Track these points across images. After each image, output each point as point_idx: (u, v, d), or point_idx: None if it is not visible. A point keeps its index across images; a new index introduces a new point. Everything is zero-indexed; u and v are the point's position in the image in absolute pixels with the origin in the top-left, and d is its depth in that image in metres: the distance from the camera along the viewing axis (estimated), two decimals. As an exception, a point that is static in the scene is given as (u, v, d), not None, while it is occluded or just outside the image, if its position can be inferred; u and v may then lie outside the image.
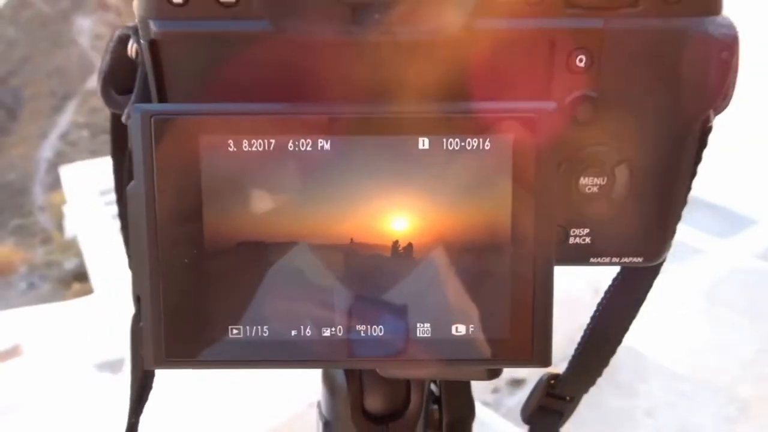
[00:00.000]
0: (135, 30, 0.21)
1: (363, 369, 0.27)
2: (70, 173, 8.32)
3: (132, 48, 0.22)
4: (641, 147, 0.21)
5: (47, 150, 24.89)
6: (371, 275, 0.19)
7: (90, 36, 30.59)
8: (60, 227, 9.35)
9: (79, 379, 3.41)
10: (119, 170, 0.24)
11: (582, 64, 0.20)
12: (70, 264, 7.40)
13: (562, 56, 0.19)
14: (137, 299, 0.21)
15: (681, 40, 0.19)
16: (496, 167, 0.18)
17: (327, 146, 0.18)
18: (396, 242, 0.18)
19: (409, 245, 0.18)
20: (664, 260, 0.26)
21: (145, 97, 0.21)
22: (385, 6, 0.18)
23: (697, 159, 0.23)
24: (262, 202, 0.18)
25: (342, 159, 0.18)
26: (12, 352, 4.09)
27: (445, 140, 0.18)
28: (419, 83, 0.19)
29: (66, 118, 26.12)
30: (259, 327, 0.19)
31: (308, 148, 0.18)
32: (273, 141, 0.18)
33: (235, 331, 0.20)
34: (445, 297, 0.19)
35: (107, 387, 2.58)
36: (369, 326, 0.19)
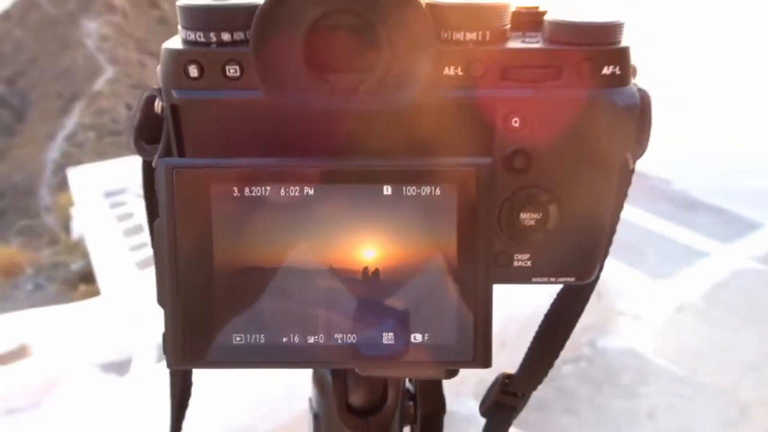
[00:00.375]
0: (160, 91, 0.26)
1: (344, 368, 0.33)
2: (77, 175, 8.35)
3: (158, 105, 0.26)
4: (569, 188, 0.26)
5: (54, 151, 24.99)
6: (347, 294, 0.24)
7: (97, 38, 30.72)
8: (66, 228, 9.40)
9: (85, 380, 3.44)
10: (151, 208, 0.29)
11: (516, 125, 0.25)
12: (76, 265, 7.44)
13: (500, 118, 0.24)
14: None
15: (594, 106, 0.24)
16: (444, 209, 0.23)
17: (311, 192, 0.23)
18: (366, 268, 0.24)
19: (377, 270, 0.24)
20: (596, 279, 0.30)
21: (168, 149, 0.26)
22: (358, 82, 0.24)
23: (622, 195, 0.28)
24: (260, 236, 0.24)
25: (323, 202, 0.23)
26: (19, 353, 4.12)
27: (404, 188, 0.23)
28: (384, 142, 0.24)
29: (72, 120, 26.22)
30: (257, 335, 0.24)
31: (296, 194, 0.23)
32: (269, 188, 0.23)
33: (237, 338, 0.25)
34: (405, 312, 0.24)
35: (113, 388, 2.60)
36: (345, 335, 0.24)
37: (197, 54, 0.24)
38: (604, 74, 0.24)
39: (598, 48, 0.24)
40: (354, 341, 0.24)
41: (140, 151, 0.27)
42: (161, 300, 0.25)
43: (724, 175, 4.42)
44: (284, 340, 0.24)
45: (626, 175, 0.27)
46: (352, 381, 0.34)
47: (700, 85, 4.63)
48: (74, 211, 8.19)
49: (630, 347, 2.37)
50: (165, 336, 0.25)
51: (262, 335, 0.24)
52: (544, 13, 0.26)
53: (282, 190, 0.23)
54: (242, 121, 0.25)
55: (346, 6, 0.23)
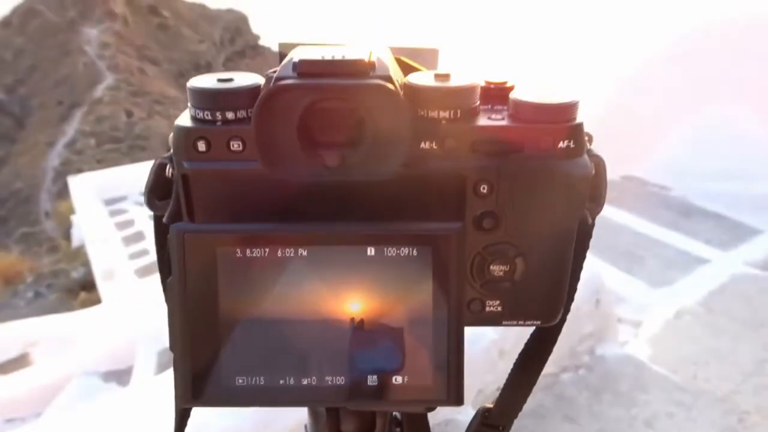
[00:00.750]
0: (170, 159, 0.29)
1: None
2: (78, 183, 8.36)
3: (168, 171, 0.29)
4: (533, 244, 0.29)
5: (54, 159, 25.00)
6: (336, 341, 0.27)
7: (97, 45, 30.78)
8: (67, 236, 9.40)
9: (86, 389, 3.44)
10: (161, 258, 0.32)
11: (485, 191, 0.28)
12: (77, 273, 7.43)
13: (470, 186, 0.28)
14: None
15: (552, 175, 0.27)
16: (421, 267, 0.27)
17: (305, 253, 0.27)
18: (353, 318, 0.27)
19: (362, 320, 0.27)
20: (563, 321, 0.32)
21: (178, 208, 0.29)
22: (345, 157, 0.27)
23: (583, 247, 0.31)
24: (260, 291, 0.27)
25: (315, 261, 0.27)
26: (20, 362, 4.13)
27: (385, 249, 0.27)
28: (368, 208, 0.28)
29: (73, 127, 26.23)
30: (257, 377, 0.27)
31: (291, 254, 0.27)
32: (267, 250, 0.27)
33: (240, 380, 0.27)
34: (387, 356, 0.27)
35: (114, 397, 2.60)
36: (334, 377, 0.27)
37: (205, 131, 0.27)
38: (561, 147, 0.27)
39: (555, 125, 0.27)
40: (342, 383, 0.27)
41: (152, 207, 0.30)
42: (173, 346, 0.27)
43: (722, 181, 4.43)
44: (281, 381, 0.27)
45: (586, 229, 0.30)
46: (343, 411, 0.37)
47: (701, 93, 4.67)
48: (75, 219, 8.18)
49: (629, 355, 2.38)
50: (175, 377, 0.27)
51: (262, 377, 0.27)
52: (510, 88, 0.29)
53: (279, 251, 0.27)
54: (244, 188, 0.28)
55: (333, 95, 0.26)
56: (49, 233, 16.58)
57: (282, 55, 0.34)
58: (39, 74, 30.52)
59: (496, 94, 0.29)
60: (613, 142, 4.39)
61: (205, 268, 0.26)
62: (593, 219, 0.30)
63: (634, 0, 6.05)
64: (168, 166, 0.29)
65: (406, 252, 0.27)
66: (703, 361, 2.58)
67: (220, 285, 0.27)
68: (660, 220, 3.89)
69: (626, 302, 3.04)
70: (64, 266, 8.29)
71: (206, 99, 0.27)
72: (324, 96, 0.26)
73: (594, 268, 2.22)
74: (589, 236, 0.31)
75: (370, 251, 0.27)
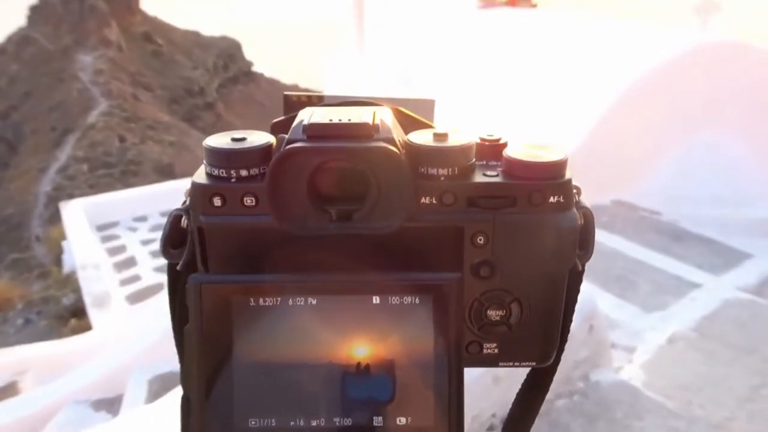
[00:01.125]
0: (186, 210, 0.31)
1: None
2: (70, 208, 8.33)
3: (183, 222, 0.31)
4: (527, 290, 0.31)
5: (46, 184, 24.92)
6: (342, 385, 0.28)
7: (92, 72, 30.92)
8: (58, 262, 9.33)
9: (76, 418, 3.39)
10: (173, 305, 0.33)
11: (481, 242, 0.30)
12: (67, 300, 7.36)
13: (468, 237, 0.30)
14: (187, 399, 0.31)
15: (543, 228, 0.30)
16: (423, 314, 0.28)
17: (314, 302, 0.28)
18: (359, 363, 0.28)
19: (367, 365, 0.28)
20: (557, 362, 0.34)
21: (193, 258, 0.31)
22: (351, 212, 0.29)
23: (574, 292, 0.33)
24: (272, 337, 0.28)
25: (324, 310, 0.28)
26: (9, 391, 4.07)
27: (389, 298, 0.28)
28: (374, 259, 0.30)
29: (65, 153, 26.21)
30: (269, 419, 0.29)
31: (302, 303, 0.28)
32: (279, 299, 0.28)
33: (252, 422, 0.29)
34: (391, 398, 0.28)
35: (105, 426, 2.57)
36: (342, 418, 0.29)
37: (220, 188, 0.29)
38: (551, 202, 0.30)
39: (546, 182, 0.30)
40: (349, 424, 0.29)
41: (167, 256, 0.32)
42: (187, 387, 0.29)
43: (712, 206, 4.47)
44: (291, 423, 0.29)
45: (576, 275, 0.32)
46: None
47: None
48: (66, 245, 8.13)
49: (623, 381, 2.37)
50: (192, 419, 0.29)
51: (273, 419, 0.29)
52: (504, 145, 0.32)
53: (290, 300, 0.28)
54: (257, 241, 0.30)
55: (340, 157, 0.28)
56: (40, 259, 16.46)
57: (287, 104, 0.38)
58: (33, 101, 30.59)
59: (490, 151, 0.31)
60: (604, 168, 4.44)
61: (221, 316, 0.28)
62: (583, 266, 0.32)
63: (621, 29, 6.16)
64: (183, 218, 0.31)
65: (409, 300, 0.28)
66: (697, 387, 2.57)
67: (235, 331, 0.28)
68: (652, 245, 3.91)
69: (620, 327, 3.04)
70: (54, 292, 8.22)
71: (221, 158, 0.29)
72: (332, 158, 0.28)
73: (587, 293, 2.23)
74: (580, 281, 0.33)
75: (376, 300, 0.29)
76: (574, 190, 0.31)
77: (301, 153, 0.28)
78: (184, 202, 0.31)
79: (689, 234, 4.18)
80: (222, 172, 0.29)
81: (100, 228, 8.01)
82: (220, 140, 0.30)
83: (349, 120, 0.28)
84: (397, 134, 0.30)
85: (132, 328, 5.02)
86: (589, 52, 5.49)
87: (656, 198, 4.56)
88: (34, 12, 34.79)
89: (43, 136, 27.96)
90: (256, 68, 40.24)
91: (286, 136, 0.29)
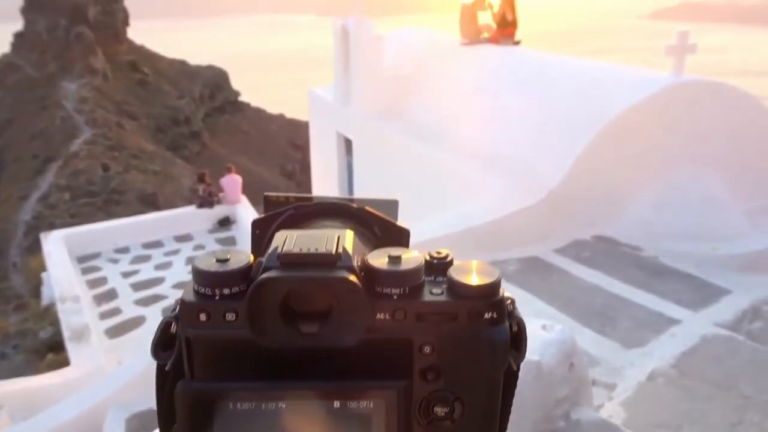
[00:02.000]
0: (176, 318, 0.36)
1: None
2: (50, 239, 8.22)
3: (173, 327, 0.36)
4: (468, 390, 0.36)
5: (27, 212, 24.61)
6: None
7: (76, 99, 30.86)
8: (36, 293, 9.17)
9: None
10: (161, 403, 0.37)
11: (428, 351, 0.35)
12: (45, 333, 7.22)
13: (416, 347, 0.35)
14: None
15: (478, 340, 0.35)
16: (377, 416, 0.34)
17: (284, 406, 0.34)
18: None
19: None
20: None
21: (180, 360, 0.36)
22: (319, 328, 0.34)
23: (511, 389, 0.38)
24: None
25: (292, 412, 0.34)
26: (-18, 429, 3.96)
27: (348, 402, 0.34)
28: (335, 368, 0.35)
29: (47, 181, 25.96)
30: None
31: (274, 407, 0.34)
32: (254, 404, 0.33)
33: None
34: None
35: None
36: None
37: (206, 306, 0.34)
38: (486, 318, 0.35)
39: (481, 302, 0.35)
40: None
41: (157, 357, 0.37)
42: None
43: (691, 241, 4.53)
44: None
45: (512, 376, 0.38)
46: None
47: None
48: (45, 277, 8.00)
49: (604, 420, 2.38)
50: None
51: None
52: (450, 263, 0.37)
53: (263, 405, 0.34)
54: (237, 350, 0.35)
55: (307, 285, 0.34)
56: (18, 290, 16.16)
57: (267, 202, 0.46)
58: (15, 128, 30.38)
59: (438, 267, 0.37)
60: (585, 204, 4.48)
61: (204, 418, 0.33)
62: (518, 366, 0.38)
63: (600, 68, 6.30)
64: (173, 324, 0.36)
65: (365, 404, 0.34)
66: (676, 425, 2.58)
67: (216, 429, 0.33)
68: (632, 281, 3.94)
69: (600, 364, 3.05)
70: (31, 326, 8.06)
71: (207, 279, 0.35)
72: (301, 286, 0.34)
73: (567, 331, 2.25)
74: (516, 379, 0.38)
75: (336, 404, 0.34)
76: (508, 301, 0.36)
77: (275, 282, 0.34)
78: (174, 309, 0.36)
79: (669, 269, 4.23)
80: (207, 291, 0.35)
81: (81, 260, 7.91)
82: (205, 262, 0.35)
83: (317, 249, 0.35)
84: (357, 259, 0.35)
85: (110, 363, 4.94)
86: (570, 89, 5.61)
87: (637, 233, 4.62)
88: (19, 39, 34.79)
89: (24, 163, 27.72)
90: (243, 98, 40.42)
91: (264, 261, 0.35)
